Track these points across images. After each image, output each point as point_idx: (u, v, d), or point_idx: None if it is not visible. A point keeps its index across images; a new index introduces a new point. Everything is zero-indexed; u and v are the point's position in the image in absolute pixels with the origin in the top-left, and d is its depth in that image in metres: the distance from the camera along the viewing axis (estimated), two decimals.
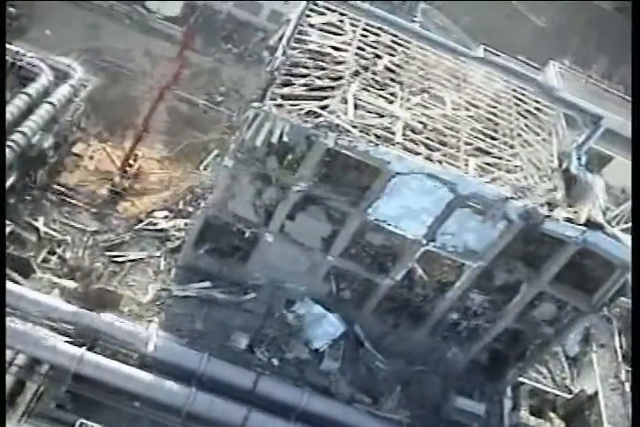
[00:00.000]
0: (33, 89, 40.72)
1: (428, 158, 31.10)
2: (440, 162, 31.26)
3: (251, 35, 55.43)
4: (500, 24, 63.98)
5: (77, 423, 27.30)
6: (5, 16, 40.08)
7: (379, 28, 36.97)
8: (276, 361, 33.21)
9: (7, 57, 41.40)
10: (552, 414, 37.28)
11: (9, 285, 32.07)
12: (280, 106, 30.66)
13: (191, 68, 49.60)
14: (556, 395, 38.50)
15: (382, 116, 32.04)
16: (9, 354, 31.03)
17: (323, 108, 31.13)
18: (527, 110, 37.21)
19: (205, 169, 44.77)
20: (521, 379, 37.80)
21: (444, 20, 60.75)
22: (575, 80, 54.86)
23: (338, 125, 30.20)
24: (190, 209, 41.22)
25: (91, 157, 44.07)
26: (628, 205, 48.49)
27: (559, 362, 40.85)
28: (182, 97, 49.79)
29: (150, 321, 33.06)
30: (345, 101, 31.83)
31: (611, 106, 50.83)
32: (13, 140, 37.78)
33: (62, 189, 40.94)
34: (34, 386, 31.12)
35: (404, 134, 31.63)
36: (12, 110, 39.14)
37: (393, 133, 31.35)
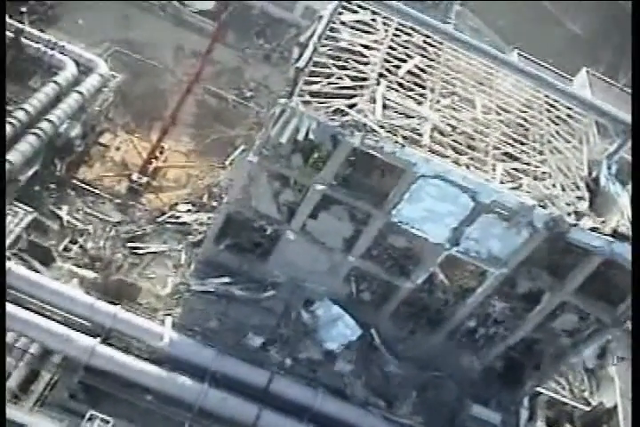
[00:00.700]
0: (62, 78, 40.92)
1: (456, 162, 30.69)
2: (467, 166, 30.84)
3: (284, 31, 55.25)
4: (534, 28, 63.28)
5: (88, 414, 27.05)
6: (5, 16, 40.00)
7: (411, 28, 36.47)
8: (289, 361, 32.93)
9: (39, 45, 41.58)
10: (569, 426, 36.75)
11: (28, 273, 32.03)
12: (307, 103, 30.35)
13: (214, 66, 49.34)
14: (574, 407, 37.99)
15: (410, 117, 31.64)
16: (24, 342, 31.01)
17: (350, 106, 30.78)
18: (558, 117, 36.71)
19: (231, 164, 44.50)
20: (539, 389, 37.30)
21: (477, 23, 60.20)
22: (607, 89, 54.03)
23: (365, 125, 29.82)
24: (214, 203, 41.11)
25: (117, 148, 44.00)
26: None
27: (578, 374, 40.28)
28: (212, 91, 49.68)
29: (167, 315, 32.85)
30: (373, 101, 31.45)
31: None
32: (41, 128, 37.91)
33: (84, 182, 40.81)
34: (48, 375, 31.06)
35: (431, 136, 31.22)
36: (40, 98, 39.32)
37: (420, 135, 30.95)
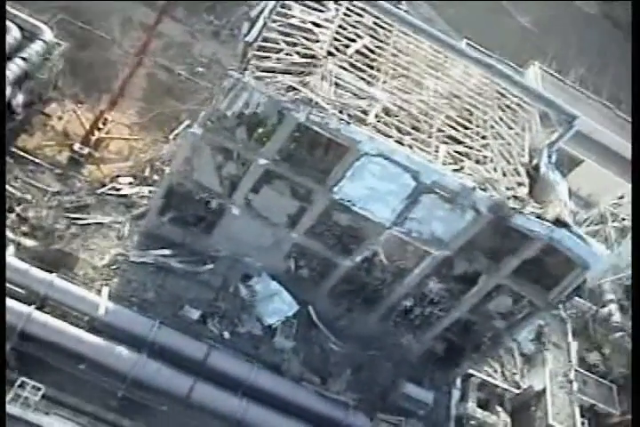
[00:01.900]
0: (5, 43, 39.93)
1: (399, 142, 30.92)
2: (410, 146, 31.10)
3: (234, 9, 54.75)
4: (484, 20, 63.81)
5: (19, 381, 26.68)
6: (5, 15, 39.17)
7: (362, 9, 36.54)
8: (227, 334, 33.01)
9: None
10: (499, 408, 37.43)
11: None
12: (259, 78, 30.27)
13: (161, 39, 48.80)
14: (505, 389, 38.66)
15: (361, 98, 31.71)
16: None
17: (302, 83, 30.74)
18: (505, 104, 37.10)
19: (175, 139, 44.08)
20: (471, 371, 37.89)
21: (428, 11, 60.47)
22: (553, 82, 54.91)
23: (311, 101, 29.84)
24: (155, 177, 40.66)
25: (60, 118, 43.13)
26: (598, 210, 49.20)
27: (512, 358, 41.03)
28: (162, 65, 49.02)
29: (104, 285, 32.56)
30: (324, 79, 31.47)
31: (586, 110, 50.90)
32: None
33: (24, 150, 40.07)
34: None
35: (377, 116, 31.41)
36: None
37: (366, 114, 31.08)
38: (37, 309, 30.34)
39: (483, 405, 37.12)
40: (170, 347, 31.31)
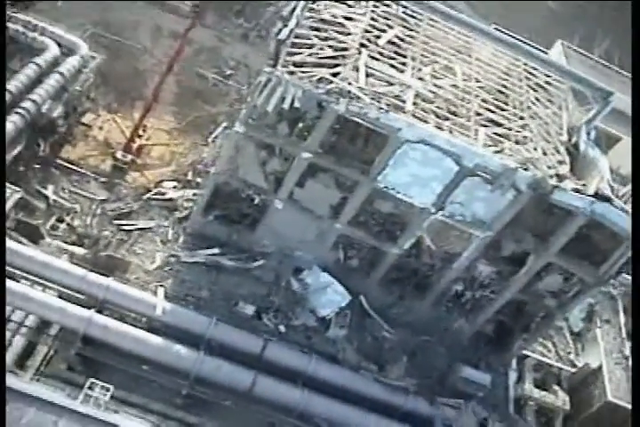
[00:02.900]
0: (42, 59, 40.86)
1: (438, 127, 31.22)
2: (450, 131, 31.40)
3: (262, 10, 55.45)
4: (511, 4, 63.78)
5: (88, 383, 27.35)
6: (5, 15, 39.98)
7: (391, 0, 36.94)
8: (282, 328, 33.44)
9: (19, 26, 41.53)
10: (556, 387, 37.48)
11: (19, 247, 32.23)
12: (292, 73, 30.74)
13: (191, 46, 49.62)
14: (561, 368, 38.74)
15: (393, 85, 32.10)
16: (19, 315, 31.26)
17: (334, 75, 31.20)
18: (537, 84, 37.31)
19: (214, 141, 44.75)
20: (526, 353, 38.06)
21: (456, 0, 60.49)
22: (582, 61, 54.78)
23: (349, 92, 30.27)
24: (198, 180, 41.31)
25: (100, 128, 44.11)
26: None
27: (564, 337, 41.14)
28: (192, 71, 49.81)
29: (158, 286, 33.19)
30: (356, 69, 31.89)
31: (617, 85, 50.75)
32: (24, 108, 37.91)
33: (69, 161, 40.95)
34: (44, 350, 31.32)
35: (414, 103, 31.74)
36: (22, 79, 39.31)
37: (403, 102, 31.45)
38: (97, 312, 30.98)
39: (540, 385, 37.22)
40: (228, 343, 31.80)
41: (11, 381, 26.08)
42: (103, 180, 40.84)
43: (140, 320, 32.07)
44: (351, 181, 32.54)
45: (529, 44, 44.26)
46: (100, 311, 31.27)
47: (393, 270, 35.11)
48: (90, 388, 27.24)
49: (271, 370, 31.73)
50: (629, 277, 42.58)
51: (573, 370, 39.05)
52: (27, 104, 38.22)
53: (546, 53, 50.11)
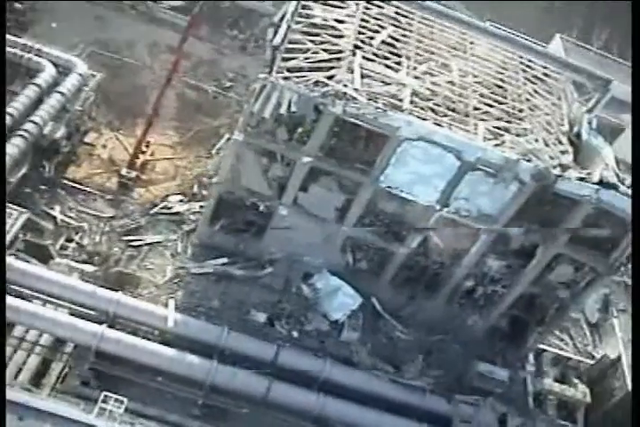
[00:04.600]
0: (42, 80, 41.07)
1: (437, 124, 31.18)
2: (449, 127, 31.34)
3: (256, 21, 55.65)
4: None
5: (101, 396, 27.37)
6: (5, 15, 40.29)
7: (382, 0, 36.97)
8: (295, 333, 33.41)
9: (16, 50, 41.82)
10: (576, 380, 37.17)
11: (28, 267, 32.35)
12: (287, 78, 30.80)
13: (190, 60, 49.93)
14: (579, 361, 38.46)
15: (389, 84, 32.10)
16: (33, 334, 31.37)
17: (329, 78, 31.24)
18: (535, 76, 37.21)
19: (218, 153, 44.85)
20: (543, 347, 37.81)
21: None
22: (581, 53, 54.72)
23: (345, 94, 30.29)
24: (204, 192, 41.38)
25: (104, 146, 44.23)
26: None
27: (581, 329, 40.88)
28: (191, 84, 49.99)
29: (169, 298, 33.21)
30: (351, 71, 31.92)
31: (618, 75, 50.60)
32: (26, 130, 38.12)
33: (74, 181, 41.13)
34: (58, 367, 31.41)
35: (411, 101, 31.74)
36: (23, 101, 39.52)
37: (400, 100, 31.44)
38: (109, 327, 31.04)
39: (559, 378, 36.95)
40: (241, 351, 31.80)
41: (26, 398, 26.19)
42: (109, 197, 40.93)
43: (153, 333, 32.12)
44: (354, 183, 32.53)
45: (524, 38, 44.48)
46: (111, 326, 31.34)
47: (402, 270, 35.00)
48: (104, 401, 27.27)
49: (286, 376, 31.69)
50: None
51: (592, 362, 38.75)
52: (28, 126, 38.42)
53: (544, 47, 50.21)
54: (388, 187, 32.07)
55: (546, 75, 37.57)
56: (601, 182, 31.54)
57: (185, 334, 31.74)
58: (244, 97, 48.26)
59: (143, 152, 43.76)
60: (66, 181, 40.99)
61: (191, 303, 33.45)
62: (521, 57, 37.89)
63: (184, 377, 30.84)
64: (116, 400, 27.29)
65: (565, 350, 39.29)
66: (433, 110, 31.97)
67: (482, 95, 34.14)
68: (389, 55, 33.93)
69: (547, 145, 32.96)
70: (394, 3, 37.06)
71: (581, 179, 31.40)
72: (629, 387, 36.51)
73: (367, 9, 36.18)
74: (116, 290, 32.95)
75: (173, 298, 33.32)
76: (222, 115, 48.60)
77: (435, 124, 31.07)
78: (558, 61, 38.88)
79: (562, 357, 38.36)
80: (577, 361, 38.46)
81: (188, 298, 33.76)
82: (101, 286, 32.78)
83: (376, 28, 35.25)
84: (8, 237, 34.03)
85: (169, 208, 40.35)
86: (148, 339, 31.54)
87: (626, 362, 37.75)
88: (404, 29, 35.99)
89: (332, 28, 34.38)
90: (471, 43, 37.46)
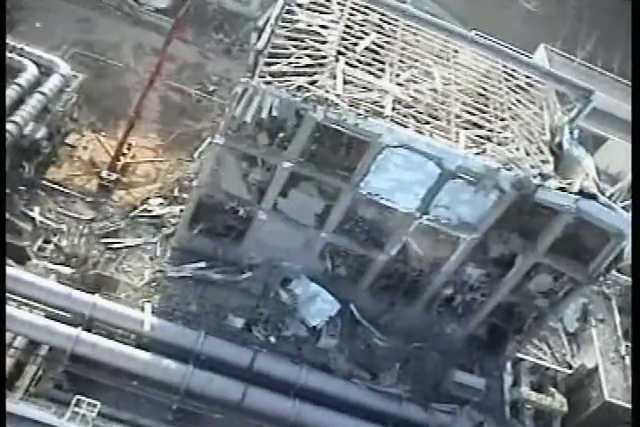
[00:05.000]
0: (24, 79, 40.76)
1: (419, 131, 31.16)
2: (431, 134, 31.32)
3: (241, 25, 55.61)
4: (488, 9, 64.01)
5: (74, 400, 27.12)
6: (5, 15, 40.09)
7: (366, 7, 36.97)
8: (273, 339, 33.28)
9: None
10: (553, 390, 37.19)
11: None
12: (269, 82, 30.70)
13: (175, 63, 49.83)
14: (557, 371, 38.50)
15: (371, 91, 32.06)
16: (8, 336, 31.05)
17: (312, 83, 31.15)
18: (517, 85, 37.25)
19: (199, 157, 44.67)
20: (521, 356, 37.83)
21: (433, 7, 60.74)
22: (565, 63, 54.99)
23: (327, 99, 30.20)
24: (185, 196, 41.18)
25: (85, 148, 43.96)
26: (623, 184, 48.80)
27: (559, 338, 40.93)
28: (174, 87, 49.87)
29: (146, 302, 33.00)
30: (334, 77, 31.85)
31: (602, 87, 50.83)
32: (6, 130, 37.81)
33: (54, 182, 40.86)
34: (32, 370, 31.10)
35: (393, 108, 31.69)
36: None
37: (382, 107, 31.39)
38: (85, 330, 30.77)
39: (536, 388, 36.92)
40: (217, 356, 31.61)
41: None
42: (89, 199, 40.65)
43: (129, 337, 31.86)
44: (334, 189, 32.45)
45: (508, 48, 44.62)
46: (87, 329, 31.08)
47: (382, 277, 34.96)
48: (77, 405, 27.03)
49: (262, 382, 31.52)
50: (622, 276, 42.58)
51: (570, 371, 38.80)
52: (8, 126, 38.07)
53: (529, 58, 50.39)
54: (369, 193, 32.00)
55: (529, 84, 37.64)
56: (581, 192, 31.61)
57: (161, 338, 31.50)
58: (227, 101, 48.22)
59: (124, 154, 43.52)
60: (46, 183, 40.65)
61: (168, 307, 33.26)
62: (504, 66, 37.94)
63: (159, 381, 30.57)
64: (89, 404, 27.06)
65: (543, 359, 39.33)
66: (415, 118, 31.94)
67: (464, 103, 34.15)
68: (372, 62, 33.88)
69: (528, 154, 32.97)
70: (378, 10, 36.99)
71: (561, 188, 31.45)
72: (606, 397, 36.64)
73: (351, 15, 36.13)
74: (94, 293, 32.68)
75: (150, 302, 33.08)
76: (205, 118, 48.51)
77: (416, 131, 31.05)
78: (541, 71, 38.94)
79: (539, 366, 38.41)
80: (555, 371, 38.51)
81: (166, 302, 33.56)
82: (78, 289, 32.47)
83: (360, 34, 35.20)
84: None
85: (149, 211, 40.10)
86: (125, 343, 31.27)
87: (603, 372, 37.88)
88: (388, 36, 35.97)
89: (316, 33, 34.28)
90: (455, 51, 37.51)
